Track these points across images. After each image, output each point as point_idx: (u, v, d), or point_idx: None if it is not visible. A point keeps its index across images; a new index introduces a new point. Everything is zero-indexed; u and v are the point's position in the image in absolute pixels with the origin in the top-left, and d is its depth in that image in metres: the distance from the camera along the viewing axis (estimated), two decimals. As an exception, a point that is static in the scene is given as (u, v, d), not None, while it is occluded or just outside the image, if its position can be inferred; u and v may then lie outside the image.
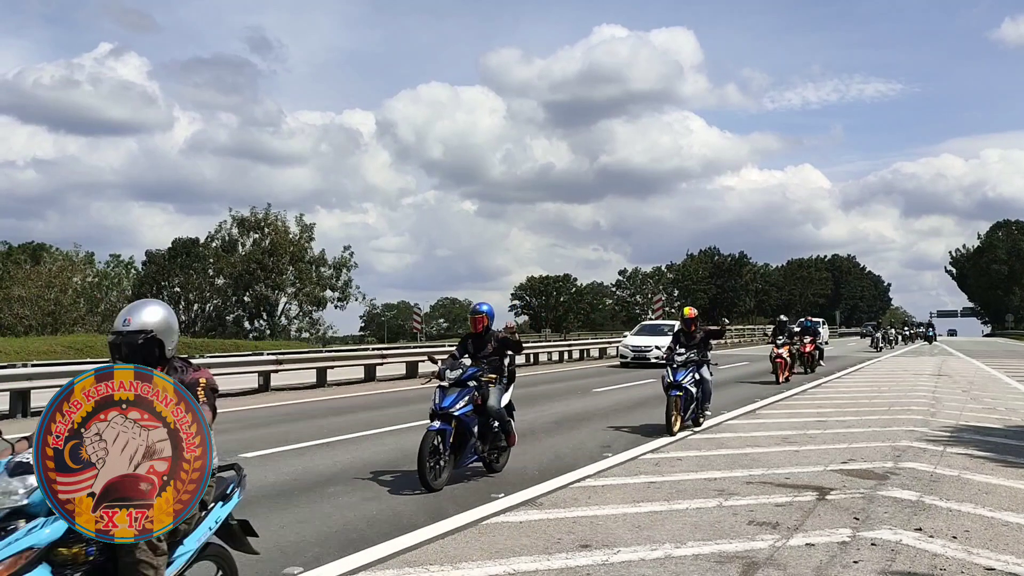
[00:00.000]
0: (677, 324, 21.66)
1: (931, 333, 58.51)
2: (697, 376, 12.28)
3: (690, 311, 12.82)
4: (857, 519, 6.79)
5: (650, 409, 14.72)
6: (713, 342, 14.35)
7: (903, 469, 8.95)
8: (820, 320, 56.06)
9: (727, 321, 25.96)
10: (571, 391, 18.81)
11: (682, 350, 12.35)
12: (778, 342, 21.66)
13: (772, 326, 24.17)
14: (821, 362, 26.13)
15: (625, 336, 32.86)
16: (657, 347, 27.64)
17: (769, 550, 5.92)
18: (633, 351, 29.41)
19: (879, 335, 45.34)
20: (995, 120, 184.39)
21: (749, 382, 21.42)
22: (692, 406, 12.24)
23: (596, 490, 7.98)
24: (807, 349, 24.48)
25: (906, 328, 62.93)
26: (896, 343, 51.15)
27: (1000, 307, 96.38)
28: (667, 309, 65.76)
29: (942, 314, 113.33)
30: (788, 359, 21.22)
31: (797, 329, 24.66)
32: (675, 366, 12.10)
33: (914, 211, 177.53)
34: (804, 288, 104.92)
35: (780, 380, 20.58)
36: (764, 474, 8.68)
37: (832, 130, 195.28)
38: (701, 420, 12.57)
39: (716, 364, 12.77)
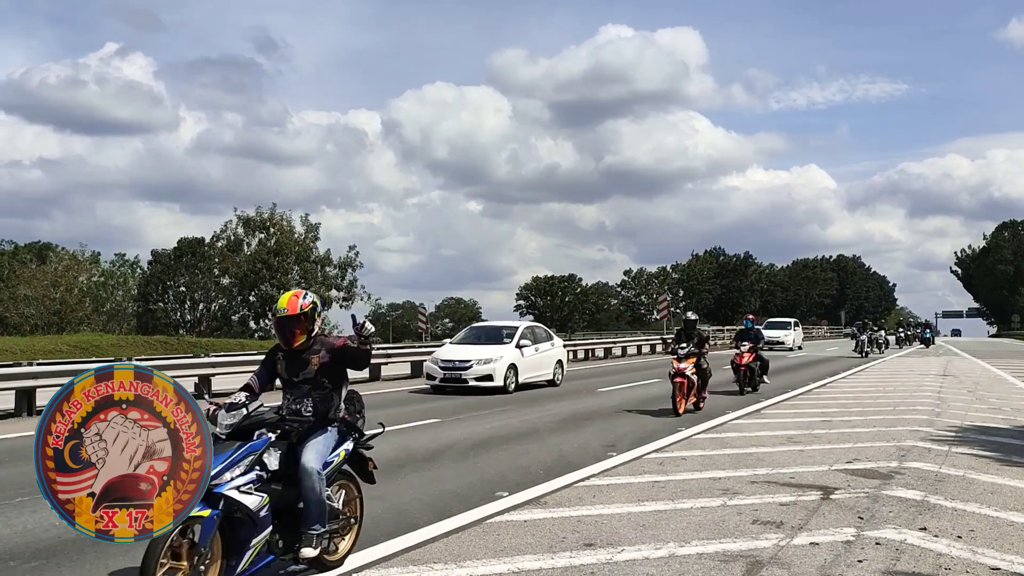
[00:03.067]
0: (521, 327, 20.41)
1: (928, 335, 50.89)
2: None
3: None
4: (861, 518, 6.78)
5: (655, 409, 14.71)
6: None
7: (908, 469, 8.94)
8: (791, 320, 48.89)
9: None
10: (576, 391, 18.81)
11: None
12: (679, 352, 14.45)
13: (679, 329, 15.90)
14: (765, 378, 19.04)
15: (444, 345, 21.52)
16: (486, 361, 18.28)
17: (773, 549, 5.92)
18: (444, 369, 18.50)
19: (864, 337, 36.60)
20: (1001, 120, 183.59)
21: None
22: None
23: (601, 489, 7.98)
24: (743, 361, 17.87)
25: (900, 329, 54.52)
26: (886, 347, 43.16)
27: (1006, 307, 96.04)
28: (672, 309, 65.67)
29: (947, 314, 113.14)
30: (693, 379, 14.34)
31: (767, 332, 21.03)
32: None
33: (920, 211, 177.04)
34: (809, 288, 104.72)
35: (680, 411, 13.73)
36: (768, 473, 8.67)
37: (838, 130, 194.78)
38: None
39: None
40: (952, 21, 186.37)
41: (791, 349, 42.29)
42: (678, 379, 14.12)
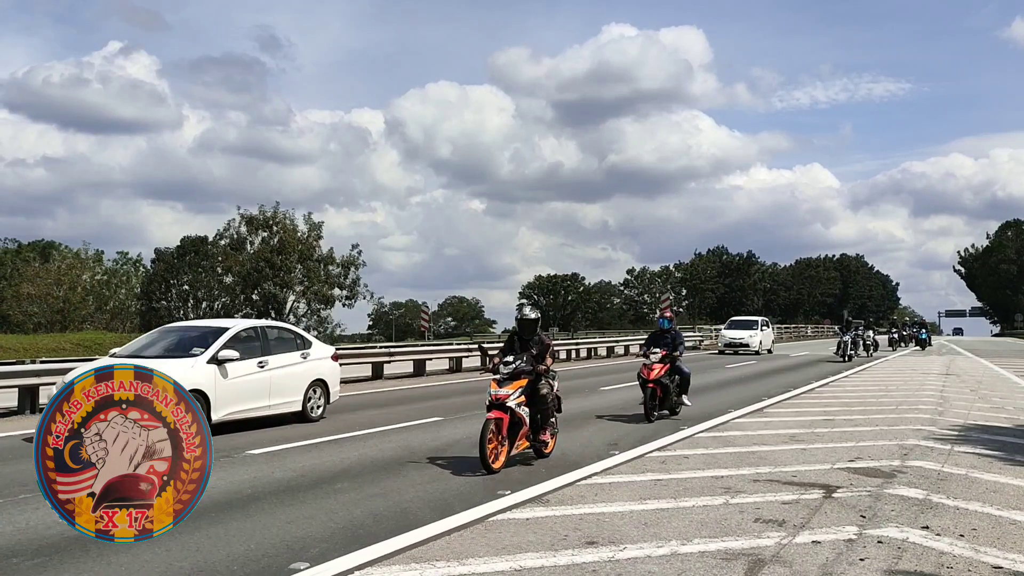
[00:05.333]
0: (234, 328, 12.07)
1: (924, 335, 46.31)
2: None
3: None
4: (864, 517, 6.78)
5: (657, 407, 14.69)
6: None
7: (910, 467, 8.93)
8: (757, 319, 40.79)
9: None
10: (579, 389, 18.79)
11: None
12: (499, 374, 9.19)
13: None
14: (685, 399, 13.92)
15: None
16: None
17: (775, 547, 5.92)
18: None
19: (848, 338, 31.59)
20: (1005, 119, 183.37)
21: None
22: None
23: (603, 487, 7.98)
24: (652, 375, 13.26)
25: (894, 330, 48.48)
26: (875, 348, 37.34)
27: (1009, 307, 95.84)
28: (675, 308, 65.54)
29: (951, 313, 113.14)
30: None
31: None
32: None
33: (923, 211, 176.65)
34: (812, 288, 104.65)
35: (493, 466, 8.70)
36: (771, 472, 8.67)
37: (841, 129, 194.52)
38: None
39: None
40: (955, 20, 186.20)
41: (757, 352, 36.32)
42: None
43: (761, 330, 38.27)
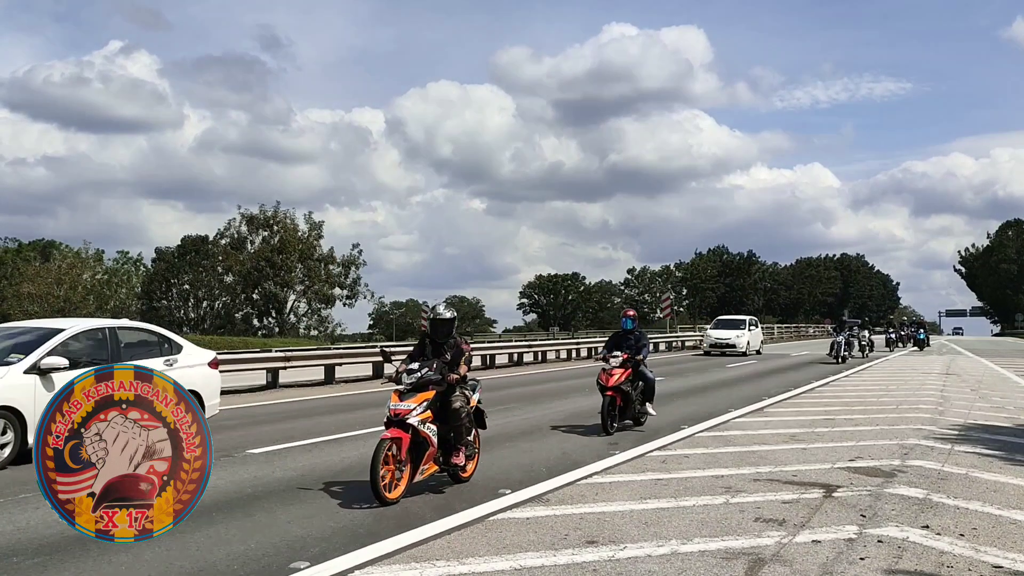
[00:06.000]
0: (66, 331, 9.65)
1: (922, 335, 44.39)
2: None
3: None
4: (864, 516, 6.78)
5: (659, 407, 14.68)
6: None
7: (910, 467, 8.93)
8: (744, 318, 38.50)
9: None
10: (579, 389, 18.78)
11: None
12: (402, 384, 7.92)
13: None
14: (649, 408, 12.38)
15: None
16: None
17: (775, 547, 5.92)
18: None
19: (841, 338, 30.01)
20: (1006, 119, 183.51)
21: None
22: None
23: (603, 487, 7.98)
24: (611, 381, 11.79)
25: (891, 329, 46.05)
26: (870, 349, 35.63)
27: (1009, 306, 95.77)
28: (675, 308, 65.45)
29: (951, 313, 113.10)
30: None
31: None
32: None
33: (924, 210, 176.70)
34: (813, 287, 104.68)
35: (388, 496, 7.25)
36: (771, 471, 8.67)
37: (842, 129, 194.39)
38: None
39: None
40: (956, 20, 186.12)
41: (744, 353, 34.72)
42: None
43: (749, 330, 36.60)
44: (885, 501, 7.33)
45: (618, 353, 12.14)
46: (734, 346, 35.01)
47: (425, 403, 7.65)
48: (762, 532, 6.31)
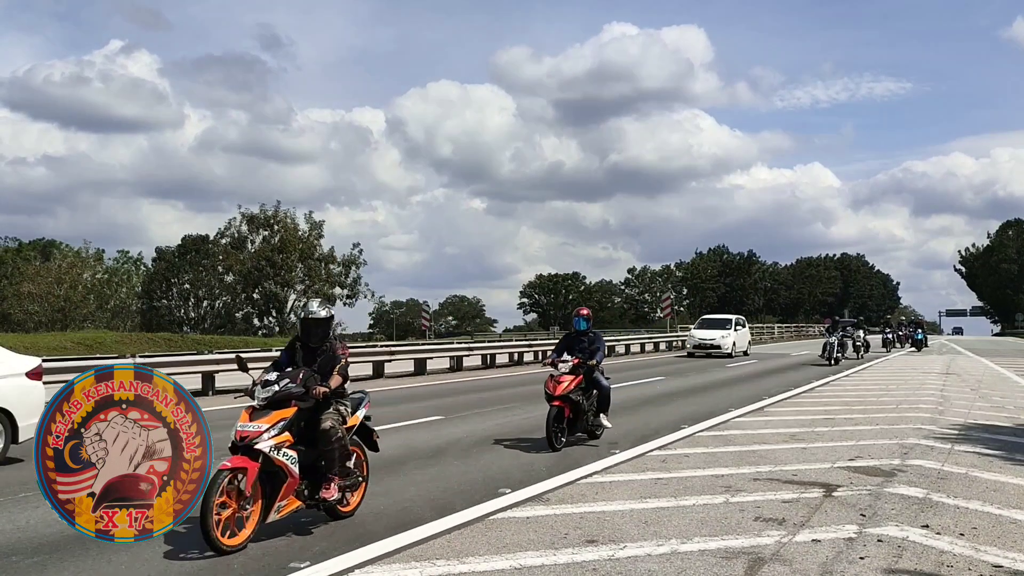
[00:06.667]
0: None
1: (920, 335, 42.90)
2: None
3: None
4: (864, 516, 6.78)
5: (658, 407, 14.71)
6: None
7: (910, 466, 8.93)
8: (731, 318, 36.56)
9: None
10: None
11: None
12: (256, 399, 6.27)
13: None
14: (604, 420, 11.12)
15: None
16: None
17: (775, 546, 5.92)
18: None
19: (834, 339, 28.66)
20: (1006, 119, 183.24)
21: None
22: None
23: (603, 486, 7.98)
24: (559, 389, 10.37)
25: (887, 329, 43.85)
26: (866, 350, 34.14)
27: (1010, 306, 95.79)
28: (676, 308, 65.45)
29: (951, 313, 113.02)
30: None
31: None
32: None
33: (924, 210, 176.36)
34: (813, 287, 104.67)
35: (226, 543, 5.63)
36: (771, 471, 8.67)
37: (842, 129, 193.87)
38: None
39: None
40: (956, 20, 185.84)
41: (730, 355, 33.11)
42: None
43: (735, 330, 34.83)
44: (885, 500, 7.33)
45: (568, 357, 10.67)
46: (719, 347, 33.29)
47: (281, 423, 6.06)
48: (762, 531, 6.31)
